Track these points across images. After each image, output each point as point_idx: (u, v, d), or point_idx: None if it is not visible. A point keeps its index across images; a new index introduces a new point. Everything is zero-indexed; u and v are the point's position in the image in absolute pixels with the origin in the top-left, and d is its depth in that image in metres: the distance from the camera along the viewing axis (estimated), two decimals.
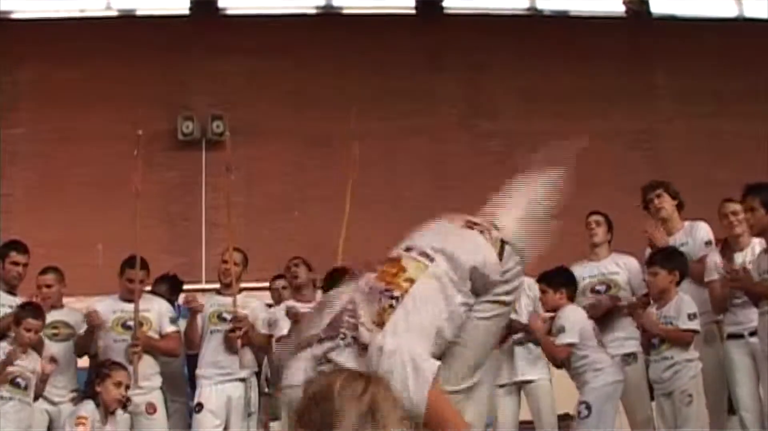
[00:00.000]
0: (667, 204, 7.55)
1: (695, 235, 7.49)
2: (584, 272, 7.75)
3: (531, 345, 7.66)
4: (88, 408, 6.77)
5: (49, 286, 7.48)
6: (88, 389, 7.01)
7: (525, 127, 11.02)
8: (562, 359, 7.02)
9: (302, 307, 7.73)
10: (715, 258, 7.15)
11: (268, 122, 11.22)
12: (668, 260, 7.14)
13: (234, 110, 10.68)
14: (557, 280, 7.20)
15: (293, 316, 7.53)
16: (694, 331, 6.94)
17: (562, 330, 7.01)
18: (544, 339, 7.16)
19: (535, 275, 7.57)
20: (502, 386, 7.62)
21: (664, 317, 7.05)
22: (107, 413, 6.84)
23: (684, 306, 7.00)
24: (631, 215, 9.10)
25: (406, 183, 11.11)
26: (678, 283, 7.08)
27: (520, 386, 7.61)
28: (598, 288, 7.76)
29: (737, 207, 7.02)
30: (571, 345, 6.95)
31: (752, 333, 6.84)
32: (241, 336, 7.43)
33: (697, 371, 6.92)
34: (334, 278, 6.58)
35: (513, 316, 7.55)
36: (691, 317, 6.96)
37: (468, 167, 10.92)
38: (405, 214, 11.01)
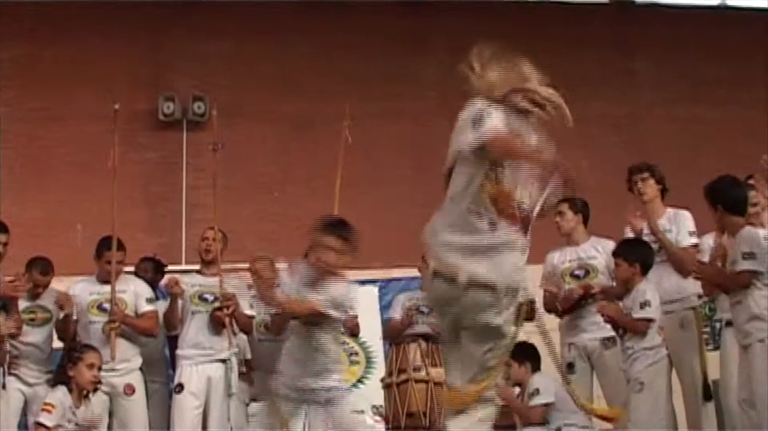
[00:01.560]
0: (650, 189, 7.56)
1: (679, 224, 7.51)
2: (563, 257, 7.77)
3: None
4: (58, 395, 6.76)
5: (46, 286, 7.48)
6: (59, 374, 6.98)
7: None
8: (537, 421, 7.11)
9: None
10: (709, 240, 7.17)
11: (250, 104, 11.20)
12: (630, 252, 7.22)
13: (215, 91, 10.67)
14: (521, 354, 7.24)
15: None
16: (648, 320, 7.00)
17: (536, 392, 7.13)
18: (516, 404, 7.25)
19: None
20: None
21: (625, 307, 7.15)
22: (81, 396, 6.84)
23: (638, 295, 7.08)
24: (611, 199, 9.13)
25: (387, 165, 11.12)
26: (644, 273, 7.16)
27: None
28: (576, 272, 7.79)
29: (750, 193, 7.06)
30: (547, 405, 7.07)
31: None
32: (229, 314, 7.44)
33: (656, 359, 6.98)
34: None
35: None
36: (643, 306, 7.02)
37: (447, 150, 10.92)
38: (386, 196, 11.05)
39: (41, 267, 7.47)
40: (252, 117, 11.20)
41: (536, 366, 7.37)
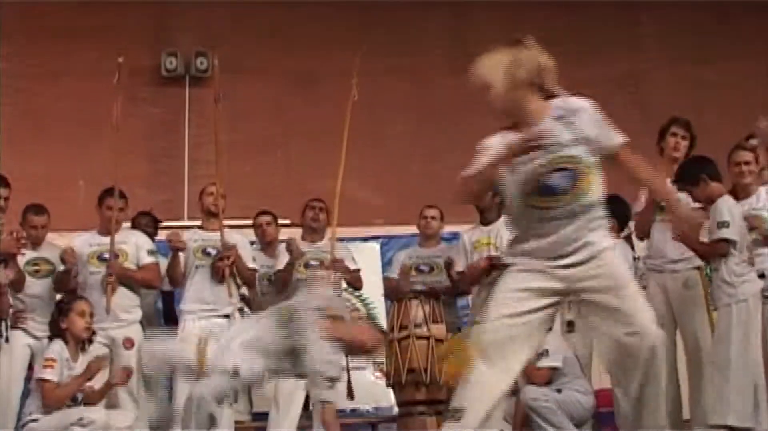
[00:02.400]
0: (683, 149, 7.53)
1: None
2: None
3: None
4: (56, 348, 6.78)
5: (43, 227, 7.51)
6: (52, 328, 7.00)
7: None
8: (540, 383, 7.14)
9: (303, 245, 7.78)
10: None
11: (253, 59, 11.15)
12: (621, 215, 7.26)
13: (218, 47, 10.60)
14: None
15: (291, 251, 7.57)
16: None
17: (545, 353, 7.14)
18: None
19: None
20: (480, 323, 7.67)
21: None
22: (78, 348, 6.86)
23: None
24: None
25: (390, 122, 11.09)
26: (620, 230, 7.22)
27: None
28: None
29: (749, 156, 7.08)
30: (554, 369, 7.10)
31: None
32: (229, 264, 7.45)
33: None
34: None
35: (495, 253, 7.66)
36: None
37: (451, 108, 10.90)
38: (389, 154, 11.04)
39: (34, 209, 7.52)
40: (254, 72, 11.16)
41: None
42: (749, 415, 6.52)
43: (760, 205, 6.96)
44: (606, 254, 4.44)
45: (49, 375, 6.65)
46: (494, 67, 4.54)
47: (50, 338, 6.98)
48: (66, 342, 6.82)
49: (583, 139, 4.45)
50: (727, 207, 6.72)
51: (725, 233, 6.66)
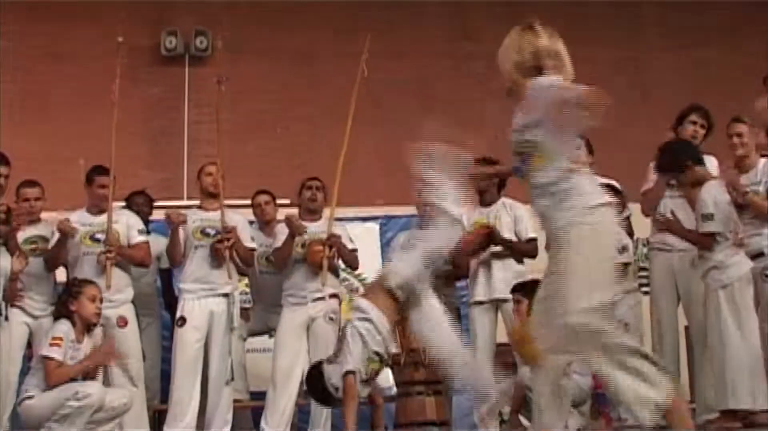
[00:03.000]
0: (700, 137, 7.54)
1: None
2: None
3: (512, 263, 7.74)
4: (63, 328, 6.78)
5: (37, 199, 7.50)
6: (59, 309, 7.00)
7: None
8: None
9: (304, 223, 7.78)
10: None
11: (253, 39, 11.14)
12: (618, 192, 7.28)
13: (218, 26, 10.61)
14: (533, 290, 7.25)
15: (292, 226, 7.57)
16: (623, 264, 7.13)
17: None
18: None
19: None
20: (479, 303, 7.69)
21: None
22: (84, 330, 6.87)
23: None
24: (615, 141, 9.11)
25: (391, 103, 11.08)
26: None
27: (497, 305, 7.68)
28: None
29: (743, 128, 7.09)
30: None
31: (754, 257, 6.93)
32: (229, 247, 7.47)
33: (636, 301, 7.16)
34: None
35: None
36: (620, 251, 7.14)
37: (451, 89, 10.90)
38: (390, 134, 11.02)
39: (27, 183, 7.52)
40: (254, 52, 11.14)
41: None
42: (747, 397, 6.57)
43: (757, 179, 6.99)
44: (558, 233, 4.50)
45: (55, 353, 6.64)
46: (502, 50, 4.69)
47: (55, 318, 6.99)
48: (73, 324, 6.84)
49: (533, 123, 4.49)
50: (711, 197, 6.74)
51: (710, 226, 6.70)
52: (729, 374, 6.54)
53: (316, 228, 7.73)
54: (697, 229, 6.83)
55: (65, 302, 6.89)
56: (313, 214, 7.89)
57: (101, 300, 6.96)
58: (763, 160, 7.11)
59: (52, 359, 6.64)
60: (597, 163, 7.88)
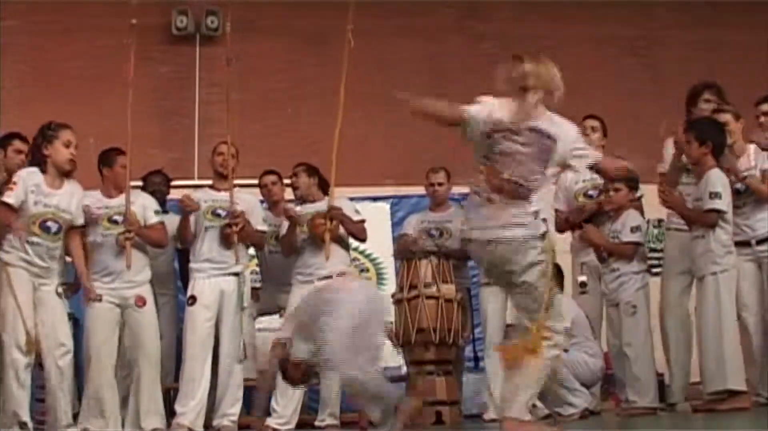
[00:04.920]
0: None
1: None
2: (577, 176, 7.79)
3: None
4: (22, 174, 6.90)
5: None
6: (33, 156, 7.06)
7: (519, 30, 10.95)
8: None
9: (301, 208, 7.81)
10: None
11: (263, 18, 11.10)
12: (632, 179, 7.28)
13: (229, 5, 10.55)
14: None
15: (290, 216, 7.61)
16: (636, 244, 7.15)
17: None
18: None
19: None
20: (490, 284, 7.69)
21: (613, 231, 7.26)
22: (60, 176, 6.97)
23: (628, 220, 7.22)
24: (628, 120, 9.09)
25: (401, 82, 11.04)
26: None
27: None
28: (590, 192, 7.83)
29: (728, 117, 7.09)
30: None
31: (760, 241, 6.95)
32: (237, 231, 7.48)
33: (643, 283, 7.18)
34: None
35: None
36: (633, 230, 7.20)
37: (462, 68, 10.86)
38: (399, 114, 10.98)
39: (16, 136, 7.53)
40: (265, 31, 11.12)
41: (559, 286, 7.41)
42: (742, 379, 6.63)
43: (751, 164, 7.02)
44: None
45: (9, 198, 6.75)
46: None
47: (29, 163, 7.05)
48: (44, 171, 6.91)
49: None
50: (719, 178, 6.76)
51: (717, 204, 6.71)
52: (728, 355, 6.60)
53: (317, 209, 7.76)
54: (699, 207, 6.81)
55: (39, 146, 6.94)
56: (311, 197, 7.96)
57: (76, 147, 7.01)
58: (752, 146, 7.12)
59: (4, 204, 6.73)
60: (609, 142, 7.89)
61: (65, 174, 7.04)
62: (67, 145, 7.00)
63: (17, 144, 7.38)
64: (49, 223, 6.94)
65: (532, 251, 4.63)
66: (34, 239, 6.86)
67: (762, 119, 7.16)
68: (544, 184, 4.74)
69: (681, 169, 7.26)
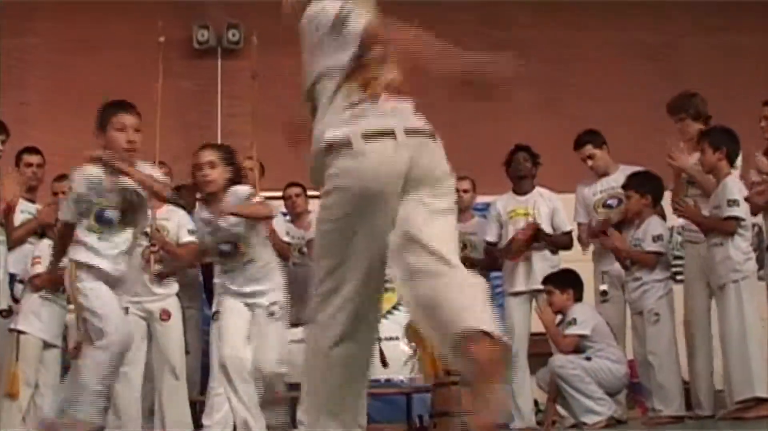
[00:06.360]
0: (691, 129, 7.50)
1: None
2: (595, 187, 7.83)
3: (548, 254, 7.78)
4: (41, 247, 7.12)
5: (39, 166, 7.60)
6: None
7: (538, 37, 10.97)
8: (567, 350, 7.19)
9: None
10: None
11: (285, 31, 11.14)
12: (642, 184, 7.32)
13: (250, 19, 10.62)
14: (564, 281, 7.39)
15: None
16: (657, 253, 7.15)
17: (573, 322, 7.21)
18: (552, 329, 7.34)
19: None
20: (516, 294, 7.72)
21: (635, 239, 7.27)
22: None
23: (650, 228, 7.22)
24: (647, 127, 9.06)
25: (421, 90, 11.09)
26: (654, 205, 7.26)
27: (534, 295, 7.71)
28: (609, 202, 7.84)
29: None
30: (582, 336, 7.15)
31: None
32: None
33: (666, 291, 7.17)
34: None
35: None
36: (655, 239, 7.18)
37: None
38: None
39: (26, 150, 7.61)
40: (286, 44, 11.14)
41: (578, 295, 7.43)
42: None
43: None
44: None
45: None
46: None
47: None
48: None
49: None
50: (736, 185, 6.76)
51: (735, 211, 6.72)
52: (755, 362, 6.58)
53: None
54: (718, 215, 6.81)
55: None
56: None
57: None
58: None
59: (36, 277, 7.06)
60: (628, 151, 7.91)
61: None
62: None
63: (26, 157, 7.50)
64: None
65: None
66: None
67: (763, 123, 7.14)
68: None
69: (684, 184, 7.29)
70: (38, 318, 7.15)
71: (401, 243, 3.29)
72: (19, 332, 7.10)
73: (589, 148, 7.83)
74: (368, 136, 3.36)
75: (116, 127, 5.96)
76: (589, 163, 7.83)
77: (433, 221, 3.33)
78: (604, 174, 7.85)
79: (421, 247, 3.25)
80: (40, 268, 7.03)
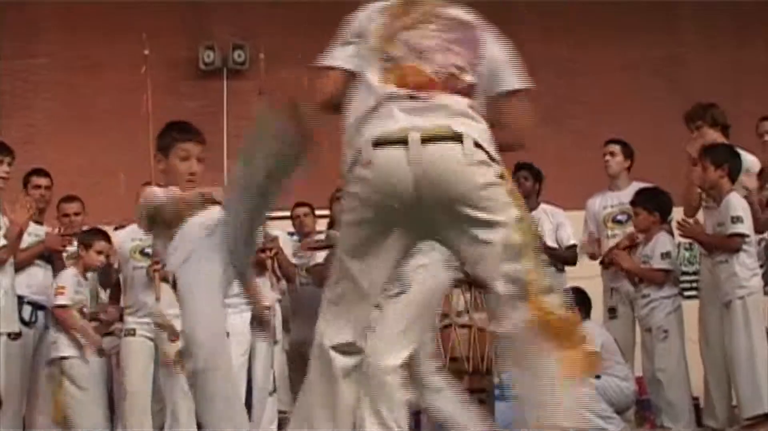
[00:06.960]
0: (708, 136, 7.48)
1: None
2: (605, 202, 7.80)
3: (554, 272, 7.74)
4: (65, 277, 7.16)
5: (77, 214, 7.57)
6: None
7: (544, 53, 10.95)
8: None
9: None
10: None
11: (290, 51, 11.16)
12: (649, 200, 7.29)
13: (255, 39, 10.64)
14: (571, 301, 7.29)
15: (313, 248, 7.62)
16: (666, 270, 7.12)
17: None
18: None
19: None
20: None
21: (644, 256, 7.25)
22: (84, 273, 7.26)
23: (658, 245, 7.20)
24: (656, 142, 9.04)
25: None
26: (663, 222, 7.24)
27: None
28: (619, 218, 7.81)
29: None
30: None
31: None
32: (271, 257, 7.46)
33: (674, 307, 7.14)
34: None
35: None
36: (663, 257, 7.15)
37: None
38: None
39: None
40: (292, 64, 11.15)
41: (586, 313, 7.40)
42: None
43: None
44: None
45: (63, 300, 7.05)
46: None
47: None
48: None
49: None
50: (739, 201, 6.75)
51: (740, 228, 6.70)
52: (763, 379, 6.55)
53: None
54: (722, 232, 6.80)
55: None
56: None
57: (108, 256, 7.29)
58: None
59: (61, 307, 7.07)
60: (637, 166, 7.88)
61: None
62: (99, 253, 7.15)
63: (34, 179, 7.51)
64: None
65: None
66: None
67: (766, 137, 7.14)
68: None
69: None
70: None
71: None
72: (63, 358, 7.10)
73: (614, 147, 7.87)
74: (379, 143, 3.27)
75: (180, 156, 5.46)
76: (607, 157, 7.78)
77: (482, 257, 3.22)
78: (614, 185, 7.83)
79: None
80: (64, 299, 7.02)
